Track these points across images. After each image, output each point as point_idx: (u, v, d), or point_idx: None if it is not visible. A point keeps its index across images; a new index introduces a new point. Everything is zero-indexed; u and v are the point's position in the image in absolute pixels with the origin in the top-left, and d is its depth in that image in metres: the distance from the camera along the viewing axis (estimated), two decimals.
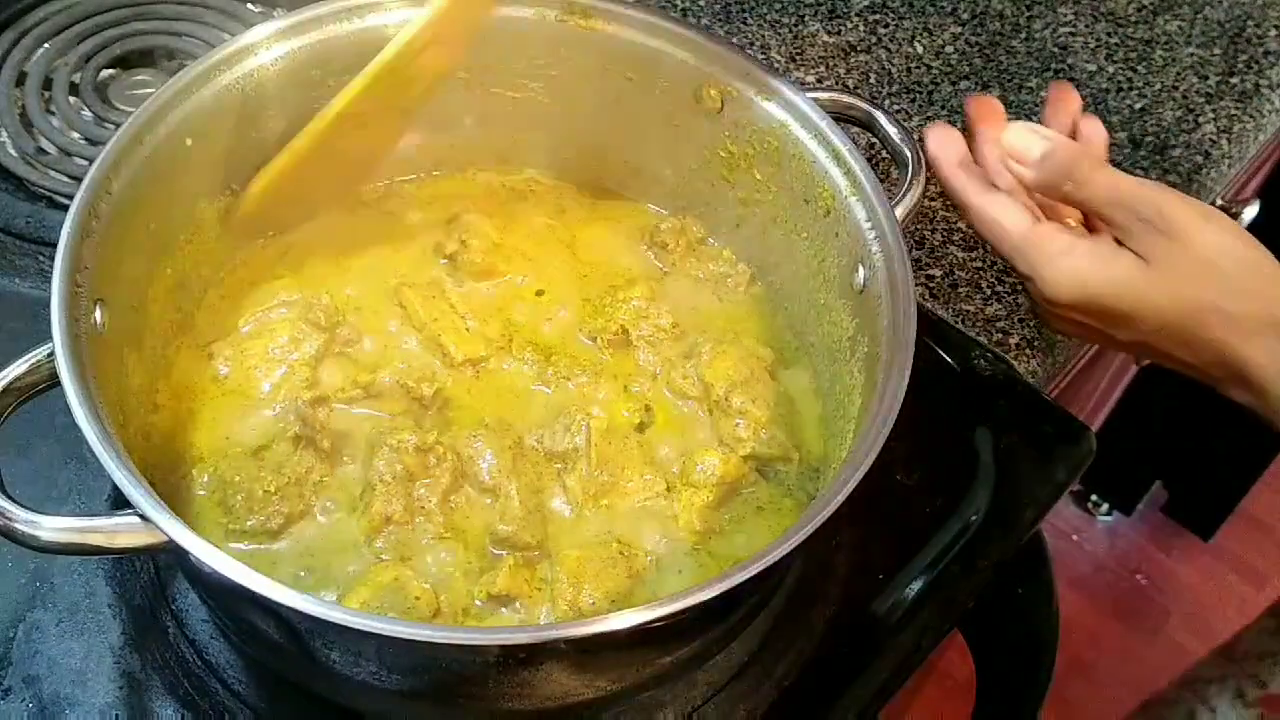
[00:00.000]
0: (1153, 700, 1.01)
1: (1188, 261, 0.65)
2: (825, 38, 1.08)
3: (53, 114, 0.94)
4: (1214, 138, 1.03)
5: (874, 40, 1.08)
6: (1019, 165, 0.69)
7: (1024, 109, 1.04)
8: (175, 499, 0.66)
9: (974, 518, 0.75)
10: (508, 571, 0.64)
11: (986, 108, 0.73)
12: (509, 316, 0.77)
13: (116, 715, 0.65)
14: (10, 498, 0.53)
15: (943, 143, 0.73)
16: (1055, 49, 1.09)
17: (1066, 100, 0.76)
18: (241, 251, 0.77)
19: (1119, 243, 0.68)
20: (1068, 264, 0.68)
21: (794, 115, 0.73)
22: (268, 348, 0.72)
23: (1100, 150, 0.76)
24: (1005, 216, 0.71)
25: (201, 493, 0.67)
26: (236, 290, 0.75)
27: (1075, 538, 2.10)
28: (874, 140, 0.77)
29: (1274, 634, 0.88)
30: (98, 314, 0.61)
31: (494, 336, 0.75)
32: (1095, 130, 0.76)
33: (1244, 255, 0.66)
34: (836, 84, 1.04)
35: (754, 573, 0.53)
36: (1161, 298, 0.66)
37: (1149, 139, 1.02)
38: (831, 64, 1.06)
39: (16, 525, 0.53)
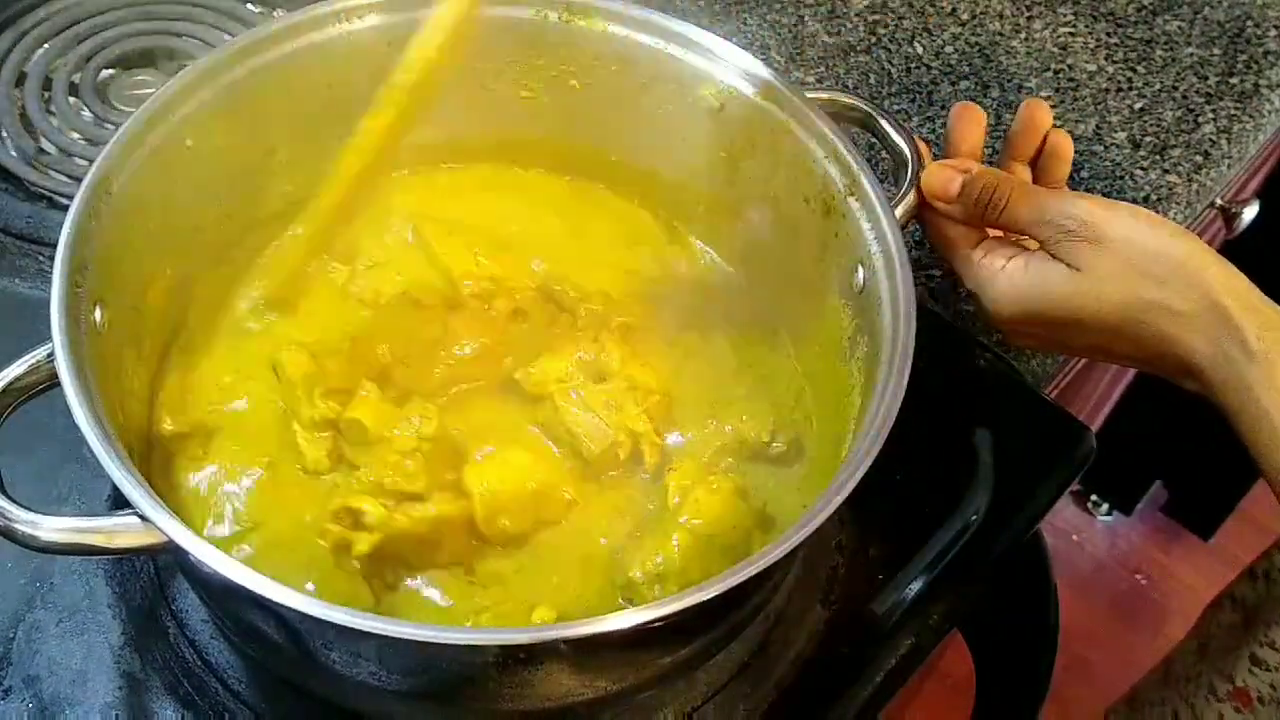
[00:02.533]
0: (1137, 697, 1.01)
1: (1117, 263, 0.67)
2: (825, 38, 1.08)
3: (53, 114, 0.94)
4: (1214, 138, 1.03)
5: (874, 40, 1.08)
6: (943, 204, 0.73)
7: None
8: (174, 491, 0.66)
9: (974, 518, 0.75)
10: None
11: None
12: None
13: (116, 715, 0.65)
14: (10, 498, 0.53)
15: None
16: (1055, 49, 1.09)
17: (971, 120, 0.79)
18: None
19: (1054, 256, 0.70)
20: (1004, 282, 0.71)
21: (793, 115, 0.73)
22: None
23: (1064, 165, 0.79)
24: (951, 234, 0.75)
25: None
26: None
27: (1075, 538, 2.10)
28: (874, 140, 0.77)
29: (1241, 629, 0.88)
30: (98, 314, 0.61)
31: (501, 276, 0.76)
32: (1061, 143, 0.79)
33: (1172, 248, 0.67)
34: (836, 84, 1.04)
35: (754, 573, 0.53)
36: (1099, 303, 0.68)
37: (1149, 139, 1.02)
38: (831, 64, 1.06)
39: (16, 525, 0.53)
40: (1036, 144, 0.80)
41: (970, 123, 0.79)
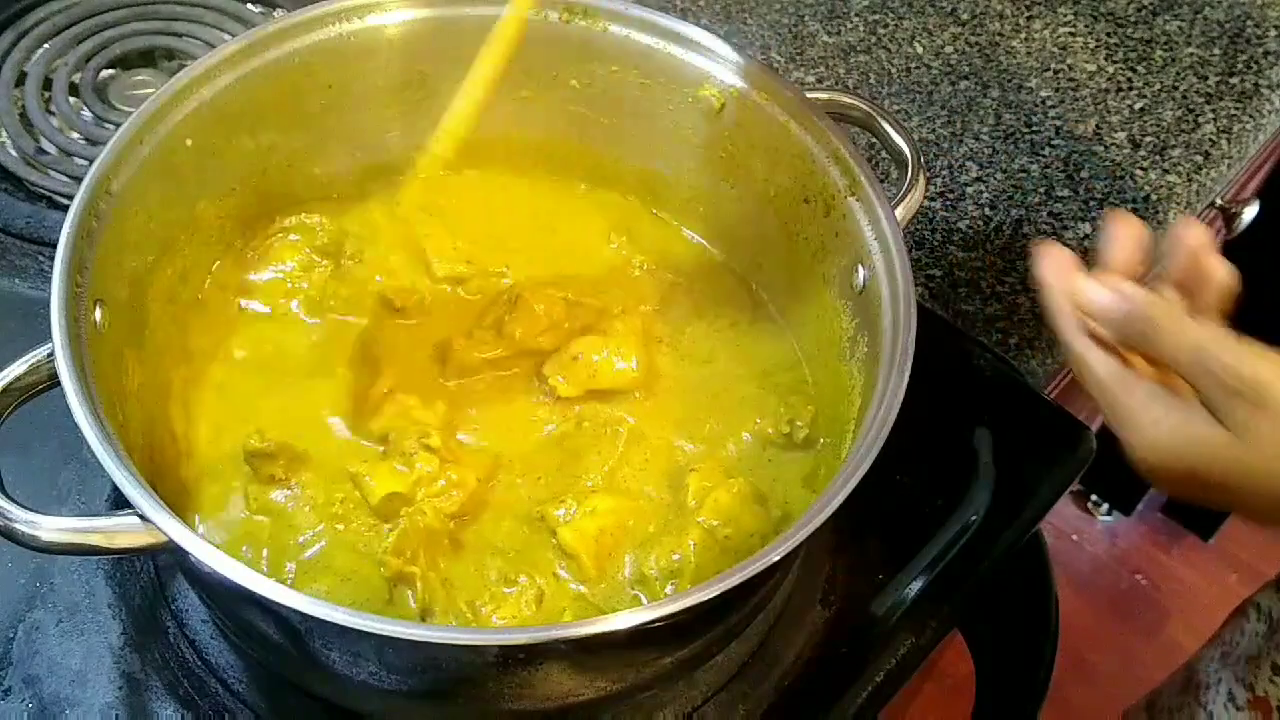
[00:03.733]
0: (1156, 702, 1.01)
1: None
2: (825, 38, 1.08)
3: (53, 114, 0.94)
4: (1214, 138, 1.03)
5: (874, 40, 1.08)
6: (1094, 324, 0.65)
7: (1023, 109, 1.04)
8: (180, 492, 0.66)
9: (974, 518, 0.75)
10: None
11: (1054, 262, 0.67)
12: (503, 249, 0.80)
13: (116, 715, 0.65)
14: (10, 498, 0.53)
15: (1055, 268, 0.67)
16: (1055, 49, 1.09)
17: (1126, 233, 0.69)
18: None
19: (1213, 414, 0.62)
20: (1156, 434, 0.63)
21: (794, 115, 0.73)
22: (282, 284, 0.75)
23: (1215, 291, 0.68)
24: (1099, 367, 0.66)
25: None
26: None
27: (1075, 538, 2.10)
28: (874, 140, 0.77)
29: (1265, 638, 0.88)
30: (98, 314, 0.61)
31: (478, 257, 0.78)
32: (1216, 269, 0.68)
33: None
34: (836, 84, 1.04)
35: (753, 572, 0.53)
36: (1256, 475, 0.61)
37: (1148, 139, 1.02)
38: (831, 64, 1.06)
39: (16, 525, 0.53)
40: (1189, 268, 0.69)
41: (1128, 236, 0.70)
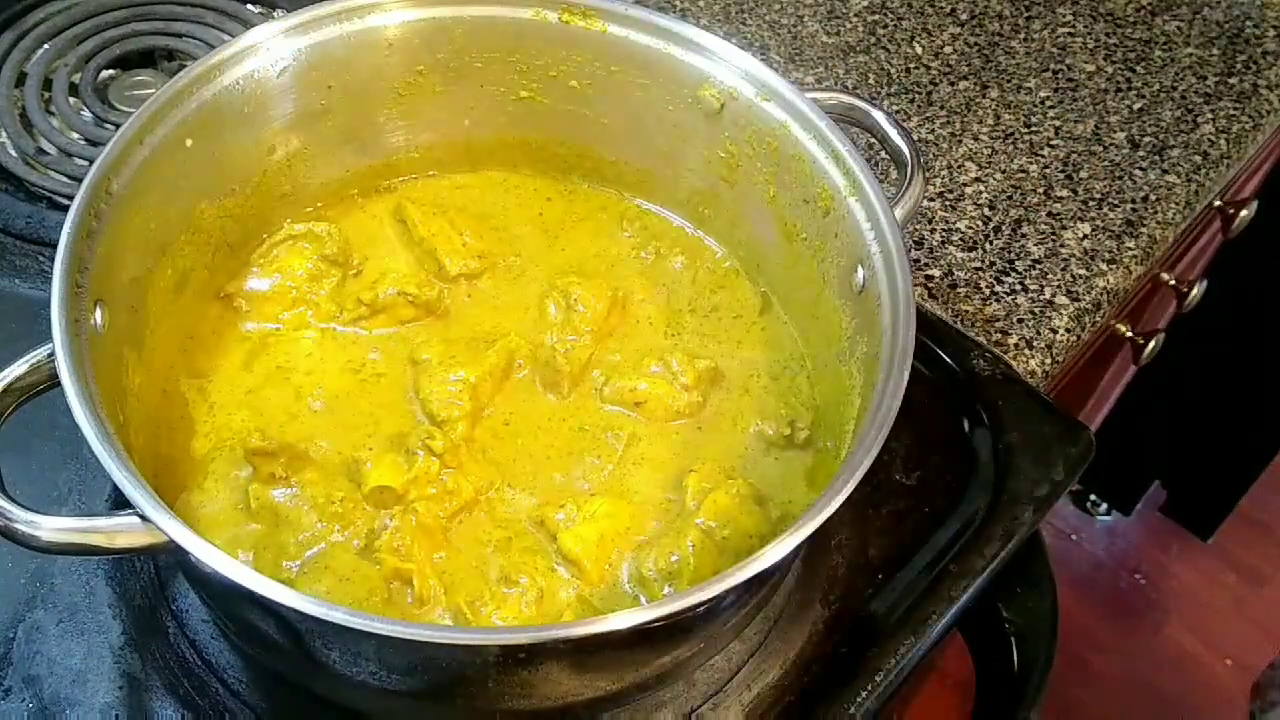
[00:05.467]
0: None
1: None
2: (824, 38, 1.08)
3: (53, 114, 0.94)
4: (1213, 138, 1.03)
5: (873, 41, 1.08)
6: None
7: (1022, 109, 1.04)
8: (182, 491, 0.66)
9: (973, 518, 0.75)
10: None
11: None
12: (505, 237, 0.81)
13: (117, 715, 0.65)
14: (10, 498, 0.53)
15: None
16: (1054, 49, 1.09)
17: None
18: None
19: None
20: None
21: (793, 115, 0.73)
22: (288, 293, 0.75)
23: None
24: None
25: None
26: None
27: (1074, 538, 2.11)
28: (873, 140, 0.78)
29: None
30: (98, 314, 0.61)
31: (489, 252, 0.79)
32: None
33: None
34: (836, 84, 1.04)
35: (753, 573, 0.53)
36: None
37: (1147, 139, 1.02)
38: (831, 64, 1.06)
39: (17, 525, 0.53)
40: None
41: None
